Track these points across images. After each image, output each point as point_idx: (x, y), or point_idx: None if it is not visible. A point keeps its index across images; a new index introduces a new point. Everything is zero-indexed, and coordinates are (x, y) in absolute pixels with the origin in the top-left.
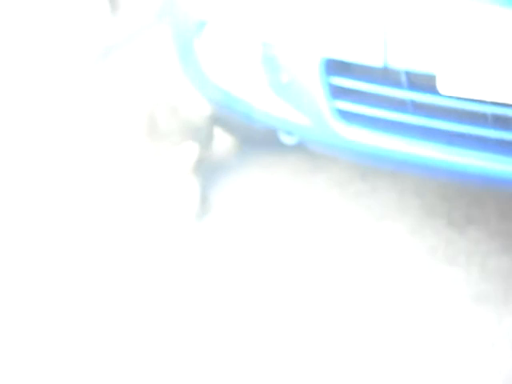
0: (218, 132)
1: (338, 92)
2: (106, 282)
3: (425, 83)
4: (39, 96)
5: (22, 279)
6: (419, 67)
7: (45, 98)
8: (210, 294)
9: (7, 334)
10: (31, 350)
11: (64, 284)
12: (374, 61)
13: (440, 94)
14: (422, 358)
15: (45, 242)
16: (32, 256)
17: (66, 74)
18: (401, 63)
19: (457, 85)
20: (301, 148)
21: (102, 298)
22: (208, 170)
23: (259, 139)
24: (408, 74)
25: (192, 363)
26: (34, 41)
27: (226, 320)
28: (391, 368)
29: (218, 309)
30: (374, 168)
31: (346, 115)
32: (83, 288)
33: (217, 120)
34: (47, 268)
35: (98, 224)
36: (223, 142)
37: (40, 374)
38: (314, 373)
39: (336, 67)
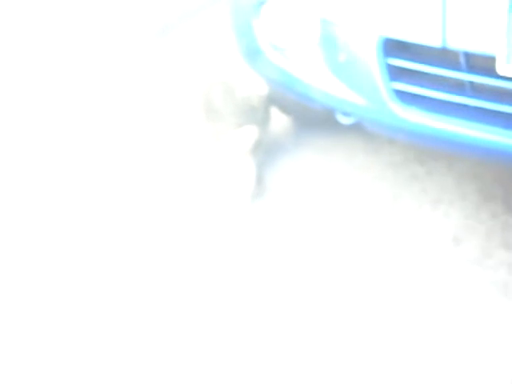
0: (273, 112)
1: (396, 73)
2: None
3: (484, 64)
4: (96, 74)
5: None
6: (478, 48)
7: (100, 77)
8: (262, 275)
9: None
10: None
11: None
12: (433, 41)
13: (499, 76)
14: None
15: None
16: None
17: (124, 51)
18: (460, 44)
19: None
20: (356, 129)
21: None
22: (264, 150)
23: (315, 120)
24: (467, 54)
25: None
26: (94, 19)
27: (269, 308)
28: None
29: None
30: (430, 151)
31: (403, 96)
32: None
33: (273, 100)
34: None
35: (151, 204)
36: (279, 122)
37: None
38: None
39: (394, 47)
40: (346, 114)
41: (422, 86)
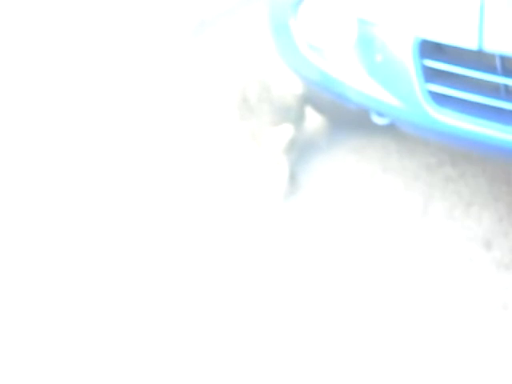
0: (308, 112)
1: (431, 74)
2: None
3: None
4: (134, 70)
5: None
6: None
7: (139, 72)
8: (294, 272)
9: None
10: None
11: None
12: (469, 43)
13: None
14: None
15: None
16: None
17: (161, 48)
18: (496, 47)
19: None
20: (390, 130)
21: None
22: (297, 149)
23: (350, 119)
24: (503, 58)
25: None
26: (132, 14)
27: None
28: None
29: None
30: (463, 153)
31: (438, 98)
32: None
33: (308, 99)
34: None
35: (181, 201)
36: (314, 121)
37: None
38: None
39: (430, 49)
40: (380, 114)
41: (456, 88)
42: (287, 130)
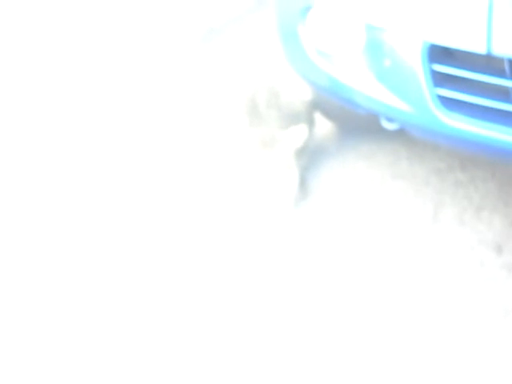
0: (317, 117)
1: (440, 79)
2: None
3: None
4: (143, 77)
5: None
6: None
7: (148, 80)
8: (302, 277)
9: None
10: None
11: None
12: (478, 48)
13: None
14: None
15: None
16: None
17: (170, 55)
18: (505, 50)
19: None
20: (400, 135)
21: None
22: (307, 155)
23: (359, 125)
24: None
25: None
26: (142, 21)
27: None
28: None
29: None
30: (472, 158)
31: (447, 102)
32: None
33: (317, 105)
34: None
35: (186, 207)
36: (323, 127)
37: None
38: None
39: (439, 54)
40: (390, 119)
41: (466, 92)
42: (297, 135)
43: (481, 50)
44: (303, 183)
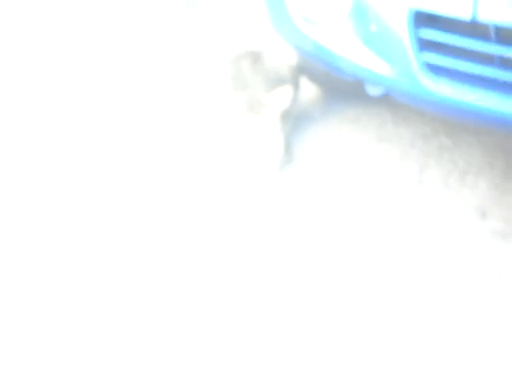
0: (303, 82)
1: (426, 45)
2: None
3: None
4: (122, 42)
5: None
6: (509, 21)
7: (125, 48)
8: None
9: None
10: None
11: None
12: (463, 14)
13: None
14: None
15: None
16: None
17: (153, 20)
18: (490, 16)
19: None
20: (385, 100)
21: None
22: (292, 119)
23: (345, 90)
24: (497, 28)
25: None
26: None
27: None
28: None
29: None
30: (457, 122)
31: (432, 68)
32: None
33: (303, 70)
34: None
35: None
36: (308, 92)
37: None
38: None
39: (424, 20)
40: (375, 84)
41: (451, 58)
42: (282, 99)
43: (466, 16)
44: (288, 147)
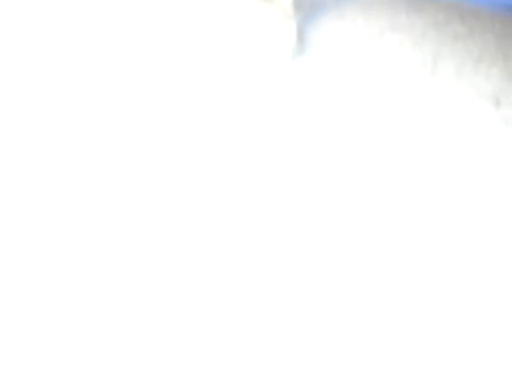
0: None
1: None
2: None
3: None
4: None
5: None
6: None
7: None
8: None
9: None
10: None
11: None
12: None
13: None
14: None
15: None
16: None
17: None
18: None
19: None
20: None
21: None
22: (305, 8)
23: None
24: None
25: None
26: None
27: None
28: None
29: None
30: (472, 9)
31: None
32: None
33: None
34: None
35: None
36: None
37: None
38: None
39: None
40: None
41: None
42: None
43: None
44: (301, 36)
